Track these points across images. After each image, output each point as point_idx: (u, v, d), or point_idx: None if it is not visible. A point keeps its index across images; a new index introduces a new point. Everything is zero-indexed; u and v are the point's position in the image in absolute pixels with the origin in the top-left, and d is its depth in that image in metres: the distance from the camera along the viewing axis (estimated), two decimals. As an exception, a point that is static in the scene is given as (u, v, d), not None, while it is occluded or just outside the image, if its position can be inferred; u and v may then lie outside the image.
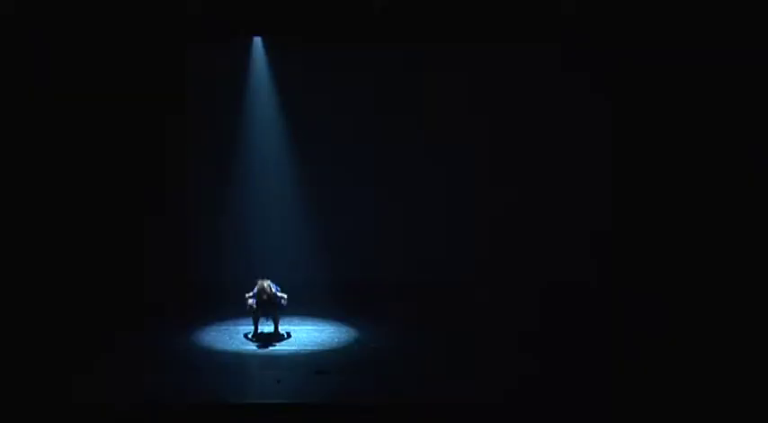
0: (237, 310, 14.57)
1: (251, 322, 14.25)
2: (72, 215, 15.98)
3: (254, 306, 13.88)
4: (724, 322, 14.29)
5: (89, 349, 13.31)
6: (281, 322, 14.19)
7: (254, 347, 13.75)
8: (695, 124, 16.40)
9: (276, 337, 14.05)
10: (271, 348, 13.69)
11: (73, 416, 10.99)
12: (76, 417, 10.98)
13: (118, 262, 16.26)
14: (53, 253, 15.67)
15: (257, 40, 16.98)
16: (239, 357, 13.28)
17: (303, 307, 15.11)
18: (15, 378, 11.96)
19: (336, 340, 14.15)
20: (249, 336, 14.09)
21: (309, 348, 13.71)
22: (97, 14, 15.62)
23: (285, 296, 14.03)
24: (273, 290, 13.94)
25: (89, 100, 16.06)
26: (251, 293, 13.94)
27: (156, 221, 16.64)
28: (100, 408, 11.07)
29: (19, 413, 10.93)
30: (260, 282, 13.94)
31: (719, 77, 16.01)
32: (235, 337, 14.19)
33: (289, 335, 13.77)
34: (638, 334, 14.15)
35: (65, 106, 15.84)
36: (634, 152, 16.88)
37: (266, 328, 14.16)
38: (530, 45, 16.96)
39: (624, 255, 16.90)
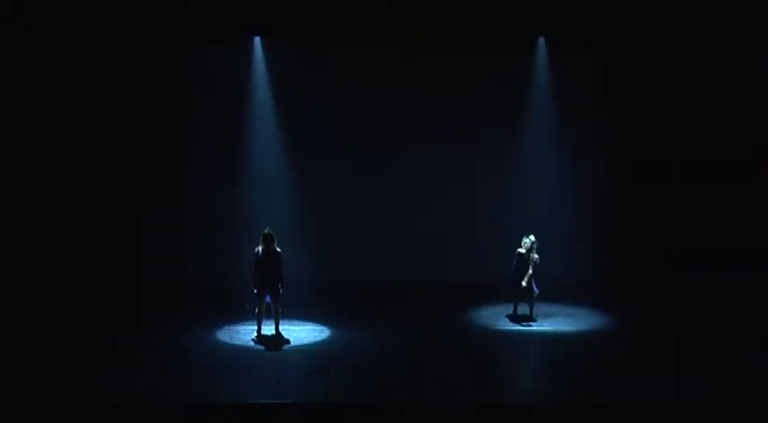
0: (237, 310, 14.58)
1: (247, 322, 14.33)
2: (72, 216, 15.95)
3: (259, 253, 13.89)
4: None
5: (89, 349, 13.30)
6: (281, 323, 14.20)
7: (255, 347, 13.74)
8: (696, 126, 16.45)
9: (277, 337, 14.07)
10: (271, 348, 13.68)
11: (73, 416, 10.98)
12: (76, 417, 10.98)
13: (117, 262, 16.24)
14: (53, 254, 15.65)
15: (257, 40, 16.98)
16: (240, 357, 13.27)
17: (303, 307, 15.12)
18: (15, 378, 11.96)
19: (336, 340, 14.15)
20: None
21: (309, 348, 13.71)
22: (97, 15, 15.63)
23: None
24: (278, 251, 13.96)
25: (90, 100, 16.05)
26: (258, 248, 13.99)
27: (155, 222, 16.64)
28: (100, 408, 11.07)
29: (19, 413, 10.93)
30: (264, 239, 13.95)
31: (721, 75, 16.08)
32: (235, 337, 14.19)
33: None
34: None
35: (65, 106, 15.82)
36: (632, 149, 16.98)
37: (267, 327, 14.17)
38: (529, 45, 17.06)
39: (625, 252, 16.99)
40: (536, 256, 14.87)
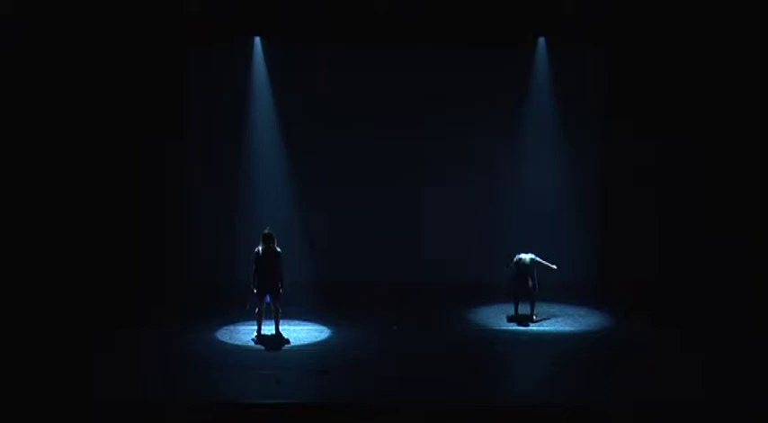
0: (237, 310, 14.57)
1: (247, 322, 14.35)
2: (72, 216, 15.95)
3: (260, 253, 13.88)
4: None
5: (89, 349, 13.30)
6: (281, 323, 14.19)
7: (254, 347, 13.74)
8: (696, 126, 16.44)
9: (277, 337, 14.07)
10: (271, 348, 13.68)
11: (73, 416, 10.98)
12: (76, 417, 10.97)
13: (117, 262, 16.25)
14: (53, 254, 15.65)
15: (257, 40, 16.98)
16: (240, 357, 13.27)
17: (304, 307, 15.13)
18: (15, 378, 11.96)
19: (336, 340, 14.14)
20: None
21: (309, 348, 13.71)
22: (97, 15, 15.63)
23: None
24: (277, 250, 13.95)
25: (90, 100, 16.05)
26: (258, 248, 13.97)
27: (155, 222, 16.64)
28: (100, 407, 11.07)
29: (19, 413, 10.92)
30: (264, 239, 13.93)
31: (722, 75, 16.07)
32: (235, 337, 14.19)
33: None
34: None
35: (65, 107, 15.82)
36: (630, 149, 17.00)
37: (267, 327, 14.17)
38: (529, 45, 17.06)
39: (625, 253, 17.00)
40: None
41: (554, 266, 15.00)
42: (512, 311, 15.30)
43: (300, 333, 14.36)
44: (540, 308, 15.36)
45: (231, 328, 14.55)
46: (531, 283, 14.87)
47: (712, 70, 16.10)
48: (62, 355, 12.91)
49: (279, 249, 13.99)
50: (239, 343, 13.91)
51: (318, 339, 14.16)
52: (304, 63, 16.89)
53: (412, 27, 16.09)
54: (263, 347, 13.71)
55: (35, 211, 15.54)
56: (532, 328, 14.81)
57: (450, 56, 16.91)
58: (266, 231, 14.02)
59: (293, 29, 16.13)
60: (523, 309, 15.22)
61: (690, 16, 15.83)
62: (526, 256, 14.96)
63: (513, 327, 14.89)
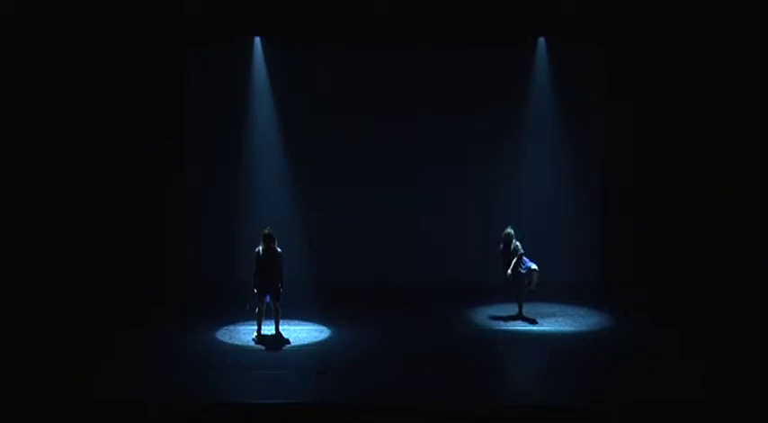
0: (237, 310, 14.57)
1: (247, 322, 14.35)
2: (72, 216, 15.96)
3: (260, 253, 13.87)
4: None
5: (88, 349, 13.30)
6: (281, 323, 14.19)
7: (254, 347, 13.74)
8: (697, 126, 16.43)
9: (277, 337, 14.07)
10: (271, 348, 13.69)
11: (72, 416, 10.98)
12: (76, 417, 10.98)
13: (118, 262, 16.25)
14: (53, 254, 15.65)
15: (257, 40, 16.99)
16: (240, 357, 13.27)
17: (304, 307, 15.13)
18: (15, 378, 11.96)
19: (336, 340, 14.14)
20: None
21: (309, 348, 13.71)
22: (97, 15, 15.64)
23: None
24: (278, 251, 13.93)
25: (90, 100, 16.05)
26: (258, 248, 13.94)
27: (155, 222, 16.64)
28: (100, 407, 11.07)
29: (19, 413, 10.93)
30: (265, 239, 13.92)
31: (722, 75, 16.07)
32: (235, 337, 14.19)
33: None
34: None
35: (65, 107, 15.82)
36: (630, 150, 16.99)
37: (267, 327, 14.17)
38: (529, 45, 17.06)
39: (624, 253, 16.99)
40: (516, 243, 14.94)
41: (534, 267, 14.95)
42: (512, 312, 15.29)
43: (300, 333, 14.36)
44: (541, 308, 15.37)
45: (231, 328, 14.55)
46: (522, 272, 14.81)
47: (712, 69, 16.10)
48: (62, 354, 12.91)
49: (279, 249, 14.00)
50: (239, 343, 13.91)
51: (318, 339, 14.16)
52: (304, 63, 16.90)
53: (412, 27, 16.10)
54: (263, 347, 13.71)
55: (35, 211, 15.54)
56: (533, 328, 14.81)
57: (450, 56, 16.92)
58: (266, 231, 14.03)
59: (293, 29, 16.15)
60: (525, 309, 15.23)
61: (689, 16, 15.84)
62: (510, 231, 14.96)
63: (513, 327, 14.89)
